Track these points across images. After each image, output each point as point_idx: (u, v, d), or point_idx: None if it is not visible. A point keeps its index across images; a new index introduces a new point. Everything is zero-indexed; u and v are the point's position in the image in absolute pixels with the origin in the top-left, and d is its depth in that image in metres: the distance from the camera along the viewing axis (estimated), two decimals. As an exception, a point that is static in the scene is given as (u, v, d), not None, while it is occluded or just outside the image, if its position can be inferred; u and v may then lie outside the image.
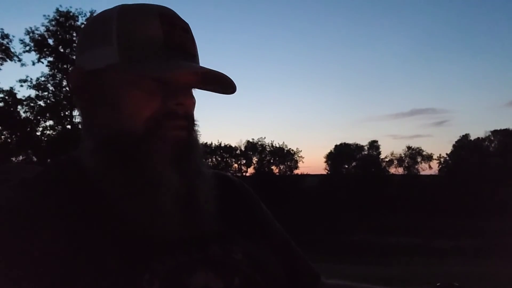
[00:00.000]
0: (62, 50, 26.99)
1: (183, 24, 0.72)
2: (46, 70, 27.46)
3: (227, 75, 0.71)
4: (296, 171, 47.77)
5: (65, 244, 0.61)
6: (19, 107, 26.30)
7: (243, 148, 47.16)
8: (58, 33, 26.71)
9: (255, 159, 47.55)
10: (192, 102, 0.72)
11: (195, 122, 0.74)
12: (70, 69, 0.76)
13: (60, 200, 0.66)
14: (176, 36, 0.69)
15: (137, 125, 0.67)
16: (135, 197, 0.64)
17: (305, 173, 48.74)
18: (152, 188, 0.65)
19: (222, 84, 0.73)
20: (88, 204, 0.66)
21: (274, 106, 78.02)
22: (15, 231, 0.61)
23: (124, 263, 0.61)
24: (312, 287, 0.87)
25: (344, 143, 50.32)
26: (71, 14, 26.61)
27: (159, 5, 0.72)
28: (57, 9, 26.61)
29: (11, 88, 25.79)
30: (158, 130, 0.67)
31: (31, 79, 26.38)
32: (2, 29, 25.72)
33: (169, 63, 0.67)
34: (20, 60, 25.39)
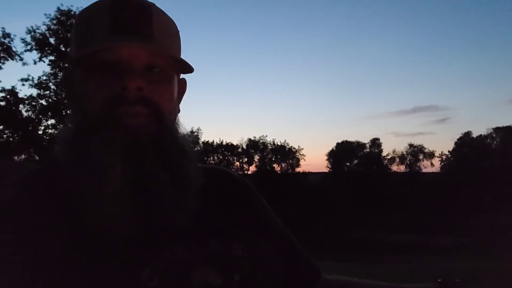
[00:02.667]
0: (63, 49, 26.98)
1: (138, 6, 0.69)
2: (48, 69, 27.43)
3: (166, 51, 0.68)
4: (297, 169, 47.81)
5: (63, 242, 0.61)
6: (20, 106, 26.33)
7: (244, 146, 47.19)
8: (59, 32, 26.69)
9: (256, 157, 47.56)
10: (142, 84, 0.66)
11: (162, 109, 0.69)
12: None
13: (57, 197, 0.66)
14: (124, 19, 0.67)
15: (90, 116, 0.66)
16: (82, 191, 0.63)
17: (306, 171, 48.76)
18: (97, 181, 0.63)
19: (175, 63, 0.70)
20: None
21: (275, 104, 78.04)
22: (14, 228, 0.61)
23: (124, 259, 0.61)
24: (313, 283, 0.87)
25: (346, 141, 50.30)
26: (72, 12, 26.57)
27: None
28: (58, 8, 26.60)
29: (13, 87, 25.81)
30: (110, 119, 0.64)
31: (32, 78, 26.39)
32: (3, 28, 25.77)
33: (101, 45, 0.65)
34: (21, 59, 25.41)
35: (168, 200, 0.66)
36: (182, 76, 0.80)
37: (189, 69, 0.73)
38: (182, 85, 0.81)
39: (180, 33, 0.77)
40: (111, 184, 0.62)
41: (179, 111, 0.78)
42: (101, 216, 0.62)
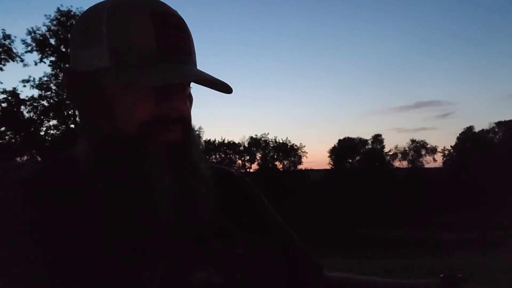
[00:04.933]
0: (64, 50, 26.99)
1: (177, 21, 0.69)
2: (49, 70, 27.55)
3: (219, 79, 0.69)
4: (300, 167, 47.84)
5: (63, 243, 0.61)
6: (22, 107, 26.40)
7: (246, 144, 47.23)
8: (60, 32, 26.72)
9: (258, 155, 47.60)
10: (186, 105, 0.70)
11: (191, 123, 0.72)
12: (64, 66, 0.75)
13: (58, 198, 0.66)
14: (169, 37, 0.66)
15: (130, 129, 0.66)
16: (130, 201, 0.64)
17: (309, 168, 48.80)
18: (147, 192, 0.64)
19: (217, 86, 0.71)
20: (85, 204, 0.65)
21: (277, 102, 78.04)
22: (13, 229, 0.61)
23: (124, 260, 0.61)
24: (315, 280, 0.87)
25: (348, 138, 50.29)
26: (72, 13, 26.59)
27: (151, 0, 0.69)
28: (58, 9, 26.63)
29: (14, 88, 25.87)
30: (152, 134, 0.66)
31: (33, 79, 26.45)
32: (3, 29, 25.82)
33: (160, 71, 0.65)
34: (22, 60, 25.45)
35: (202, 210, 0.69)
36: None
37: (227, 90, 0.72)
38: None
39: None
40: (162, 195, 0.64)
41: None
42: (148, 226, 0.63)
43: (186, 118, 0.70)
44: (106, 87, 0.68)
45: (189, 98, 0.73)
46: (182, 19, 0.71)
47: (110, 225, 0.64)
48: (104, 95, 0.68)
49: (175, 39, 0.67)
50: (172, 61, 0.66)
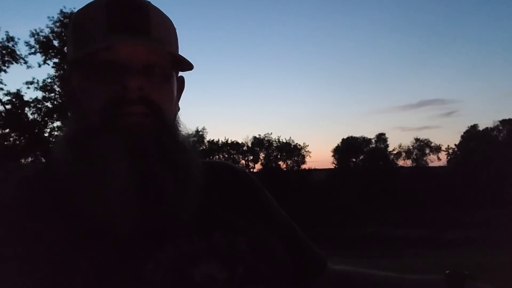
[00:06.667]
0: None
1: (135, 4, 0.68)
2: (52, 72, 27.61)
3: (164, 48, 0.68)
4: (303, 166, 47.77)
5: (64, 239, 0.61)
6: (26, 109, 26.51)
7: (250, 144, 47.21)
8: (63, 34, 26.79)
9: (262, 155, 47.58)
10: (145, 84, 0.66)
11: (162, 108, 0.69)
12: None
13: (57, 195, 0.66)
14: (121, 18, 0.66)
15: (91, 116, 0.66)
16: (85, 189, 0.63)
17: (312, 167, 48.72)
18: (101, 180, 0.62)
19: (173, 61, 0.70)
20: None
21: (279, 102, 78.00)
22: (15, 227, 0.61)
23: (127, 254, 0.62)
24: (319, 273, 0.87)
25: (351, 137, 50.19)
26: (75, 15, 26.71)
27: None
28: (61, 11, 26.72)
29: (18, 90, 26.00)
30: (112, 120, 0.64)
31: (37, 80, 26.56)
32: (7, 32, 25.97)
33: (98, 45, 0.64)
34: (26, 62, 25.59)
35: (170, 198, 0.66)
36: (180, 73, 0.80)
37: (188, 66, 0.73)
38: (181, 82, 0.81)
39: (181, 32, 0.78)
40: (115, 183, 0.62)
41: (178, 109, 0.78)
42: (105, 214, 0.62)
43: (150, 100, 0.67)
44: (73, 80, 0.70)
45: (165, 82, 0.71)
46: (146, 3, 0.70)
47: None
48: (73, 89, 0.70)
49: (128, 19, 0.67)
50: (119, 38, 0.65)
